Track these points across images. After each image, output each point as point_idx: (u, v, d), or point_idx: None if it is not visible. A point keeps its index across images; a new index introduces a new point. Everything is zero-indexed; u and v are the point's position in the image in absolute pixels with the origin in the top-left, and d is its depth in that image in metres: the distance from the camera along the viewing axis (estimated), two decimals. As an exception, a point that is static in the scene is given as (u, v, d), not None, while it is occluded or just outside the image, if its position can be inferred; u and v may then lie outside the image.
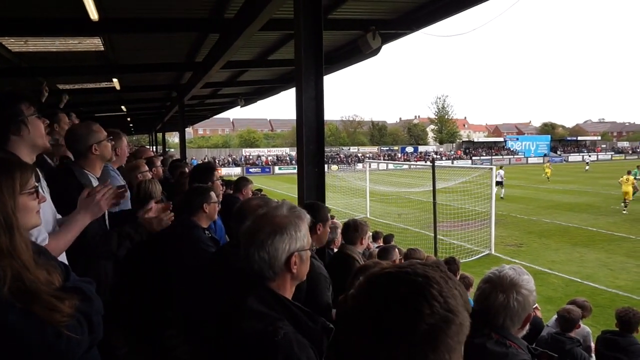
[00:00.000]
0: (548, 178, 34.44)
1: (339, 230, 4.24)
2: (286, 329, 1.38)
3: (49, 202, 2.09)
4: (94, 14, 4.90)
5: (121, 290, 3.21)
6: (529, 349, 1.77)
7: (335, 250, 4.33)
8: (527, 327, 1.81)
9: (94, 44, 6.73)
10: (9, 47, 6.54)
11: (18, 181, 1.42)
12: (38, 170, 2.23)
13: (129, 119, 21.76)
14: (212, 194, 3.30)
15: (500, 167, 27.64)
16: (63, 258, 2.06)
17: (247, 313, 1.44)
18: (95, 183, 2.66)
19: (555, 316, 5.11)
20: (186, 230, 3.20)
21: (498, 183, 24.41)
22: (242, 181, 4.66)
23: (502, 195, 24.83)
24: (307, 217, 1.64)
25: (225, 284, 2.18)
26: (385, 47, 7.14)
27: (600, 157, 68.34)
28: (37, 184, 1.55)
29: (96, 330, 1.41)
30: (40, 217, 1.60)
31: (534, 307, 1.79)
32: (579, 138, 76.00)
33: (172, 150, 34.52)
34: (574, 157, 66.33)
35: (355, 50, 7.50)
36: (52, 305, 1.26)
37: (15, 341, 1.17)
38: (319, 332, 1.45)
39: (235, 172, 43.74)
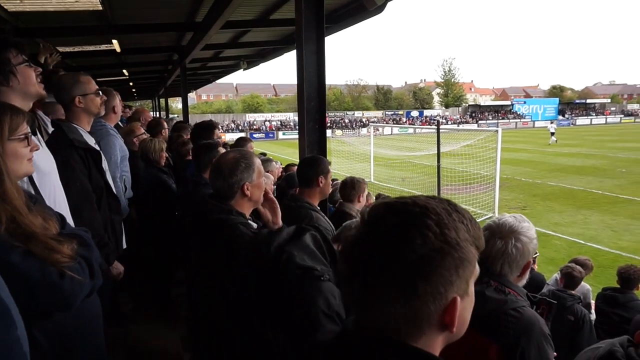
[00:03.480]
0: None
1: (340, 190, 4.23)
2: (330, 277, 1.60)
3: (54, 171, 2.06)
4: (88, -31, 4.74)
5: (130, 249, 3.25)
6: (528, 297, 1.77)
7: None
8: (527, 275, 1.81)
9: (92, 2, 6.54)
10: (5, 6, 6.38)
11: (7, 126, 1.40)
12: (38, 123, 2.20)
13: (131, 84, 21.52)
14: (221, 149, 3.27)
15: (551, 122, 43.21)
16: (65, 212, 2.06)
17: (301, 244, 1.66)
18: (86, 137, 2.61)
19: (556, 275, 5.16)
20: (197, 188, 3.18)
21: (552, 134, 35.45)
22: (241, 141, 4.57)
23: (554, 142, 34.09)
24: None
25: (205, 237, 2.22)
26: (391, 7, 6.93)
27: (609, 120, 67.34)
28: (28, 131, 1.52)
29: (96, 275, 1.43)
30: (32, 165, 1.58)
31: (535, 256, 1.79)
32: (588, 101, 74.65)
33: (176, 116, 34.31)
34: (582, 121, 65.45)
35: (360, 7, 7.29)
36: (51, 246, 1.27)
37: (20, 280, 1.18)
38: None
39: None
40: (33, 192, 1.75)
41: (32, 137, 1.78)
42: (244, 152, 2.28)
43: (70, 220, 1.93)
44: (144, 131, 4.30)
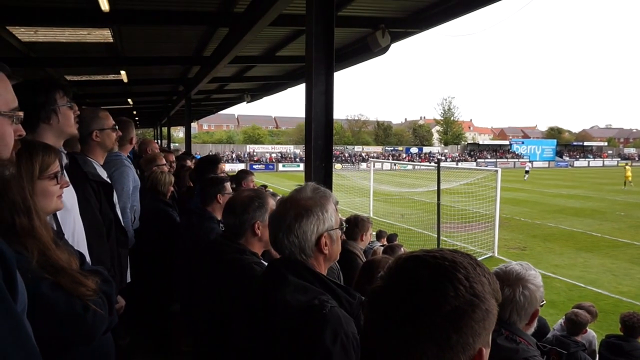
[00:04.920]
0: (625, 183, 31.75)
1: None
2: (332, 303, 1.38)
3: (76, 207, 2.10)
4: (104, 5, 4.90)
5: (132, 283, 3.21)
6: (537, 346, 1.76)
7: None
8: (535, 324, 1.80)
9: (104, 35, 6.72)
10: (19, 37, 6.55)
11: (38, 165, 1.46)
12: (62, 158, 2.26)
13: (134, 112, 21.80)
14: (227, 185, 3.29)
15: (529, 162, 55.95)
16: (83, 247, 2.07)
17: (290, 287, 1.43)
18: (99, 170, 2.65)
19: (562, 320, 5.09)
20: (201, 221, 3.17)
21: (527, 172, 41.37)
22: (242, 174, 4.51)
23: (526, 179, 38.80)
24: (333, 197, 1.63)
25: (218, 276, 2.18)
26: (393, 47, 7.12)
27: (606, 163, 68.00)
28: (58, 170, 1.57)
29: (114, 312, 1.45)
30: (61, 201, 1.63)
31: (542, 303, 1.79)
32: (585, 143, 75.59)
33: (177, 144, 34.58)
34: (580, 163, 66.10)
35: (364, 47, 7.47)
36: (78, 280, 1.32)
37: (48, 311, 1.23)
38: (357, 307, 1.46)
39: (239, 168, 43.68)
40: (55, 227, 1.78)
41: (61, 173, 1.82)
42: (259, 192, 2.29)
43: (87, 256, 1.95)
44: (165, 162, 4.31)
